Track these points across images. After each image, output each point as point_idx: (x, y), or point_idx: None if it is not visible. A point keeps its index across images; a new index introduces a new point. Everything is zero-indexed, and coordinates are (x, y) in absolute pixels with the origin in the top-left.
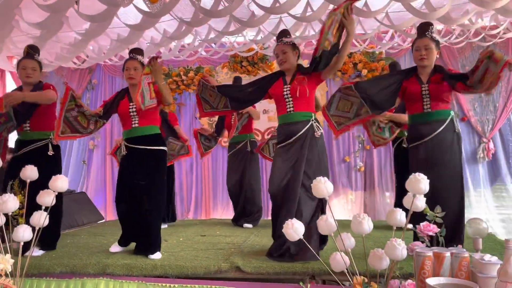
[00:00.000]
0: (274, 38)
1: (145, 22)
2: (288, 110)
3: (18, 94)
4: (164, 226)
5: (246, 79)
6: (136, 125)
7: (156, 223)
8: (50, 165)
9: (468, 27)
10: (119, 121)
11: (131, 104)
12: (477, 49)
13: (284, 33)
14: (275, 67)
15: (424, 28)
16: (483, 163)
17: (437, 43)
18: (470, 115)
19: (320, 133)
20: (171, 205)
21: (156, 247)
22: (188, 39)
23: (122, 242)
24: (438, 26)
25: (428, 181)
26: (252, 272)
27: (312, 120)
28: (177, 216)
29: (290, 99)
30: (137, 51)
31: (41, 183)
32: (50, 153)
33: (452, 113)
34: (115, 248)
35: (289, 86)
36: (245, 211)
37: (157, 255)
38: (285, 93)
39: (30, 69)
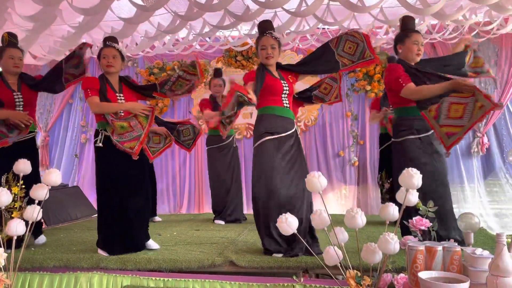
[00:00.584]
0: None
1: (139, 16)
2: (285, 105)
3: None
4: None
5: (240, 74)
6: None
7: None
8: (37, 158)
9: (462, 23)
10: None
11: (118, 95)
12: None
13: (271, 25)
14: None
15: (414, 24)
16: (477, 157)
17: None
18: None
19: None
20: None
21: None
22: (182, 33)
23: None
24: (432, 21)
25: (421, 176)
26: (246, 266)
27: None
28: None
29: (286, 95)
30: (113, 39)
31: (29, 175)
32: (39, 146)
33: None
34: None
35: (286, 83)
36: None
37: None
38: (285, 89)
39: (17, 58)
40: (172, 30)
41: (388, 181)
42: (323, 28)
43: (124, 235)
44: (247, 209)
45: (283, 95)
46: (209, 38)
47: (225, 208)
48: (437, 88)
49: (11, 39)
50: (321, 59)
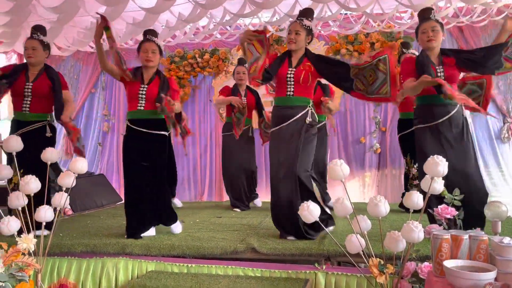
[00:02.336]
0: (290, 19)
1: (160, 5)
2: (288, 93)
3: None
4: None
5: None
6: (142, 107)
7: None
8: (48, 146)
9: (490, 5)
10: None
11: (142, 86)
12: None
13: (307, 13)
14: None
15: (426, 13)
16: (508, 143)
17: (441, 25)
18: (495, 94)
19: (310, 120)
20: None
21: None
22: (203, 22)
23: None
24: (459, 4)
25: (446, 163)
26: (267, 253)
27: (309, 107)
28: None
29: (292, 82)
30: (153, 33)
31: (39, 164)
32: (48, 134)
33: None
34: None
35: (293, 69)
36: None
37: (177, 228)
38: (288, 76)
39: (30, 49)
40: (193, 19)
41: (415, 166)
42: (345, 14)
43: (139, 219)
44: (267, 197)
45: (288, 82)
46: (229, 26)
47: (240, 195)
48: (409, 88)
49: (32, 31)
50: (336, 68)
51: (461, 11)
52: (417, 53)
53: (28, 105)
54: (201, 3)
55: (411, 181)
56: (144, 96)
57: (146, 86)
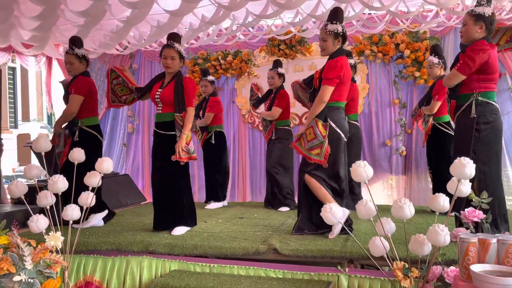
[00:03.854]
0: (313, 20)
1: (184, 8)
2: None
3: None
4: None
5: (284, 63)
6: (160, 111)
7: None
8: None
9: None
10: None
11: (158, 90)
12: None
13: (331, 17)
14: (313, 49)
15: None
16: None
17: (477, 17)
18: None
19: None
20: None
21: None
22: (225, 24)
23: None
24: None
25: (474, 165)
26: (289, 255)
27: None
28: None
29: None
30: (175, 38)
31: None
32: (75, 139)
33: (473, 96)
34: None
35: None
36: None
37: (180, 229)
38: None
39: (68, 64)
40: (216, 21)
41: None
42: (369, 13)
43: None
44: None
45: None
46: (252, 27)
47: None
48: None
49: (69, 44)
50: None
51: None
52: (435, 61)
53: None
54: (224, 5)
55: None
56: (159, 100)
57: (160, 90)
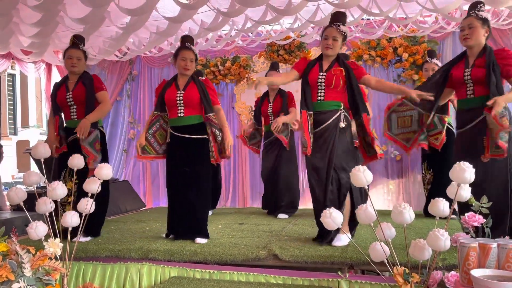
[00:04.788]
0: (312, 25)
1: (183, 14)
2: (319, 98)
3: (85, 123)
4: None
5: (283, 68)
6: (182, 114)
7: (203, 209)
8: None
9: None
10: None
11: (178, 92)
12: None
13: (342, 18)
14: (312, 55)
15: (471, 7)
16: None
17: (484, 21)
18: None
19: (344, 124)
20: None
21: (202, 232)
22: (224, 30)
23: (169, 229)
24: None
25: (473, 170)
26: (289, 260)
27: (341, 110)
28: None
29: (323, 87)
30: (191, 40)
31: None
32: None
33: None
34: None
35: (324, 74)
36: (280, 202)
37: (202, 240)
38: (319, 80)
39: (75, 58)
40: (215, 27)
41: (430, 172)
42: (368, 19)
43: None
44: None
45: (318, 87)
46: (251, 33)
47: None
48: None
49: (74, 41)
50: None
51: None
52: (440, 64)
53: (75, 112)
54: (223, 11)
55: (426, 186)
56: (182, 102)
57: (182, 92)
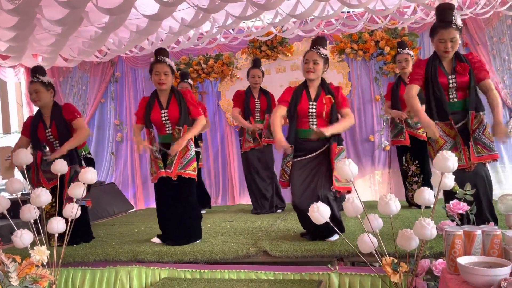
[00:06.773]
0: (292, 20)
1: (163, 12)
2: (311, 126)
3: (58, 153)
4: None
5: (266, 64)
6: (170, 131)
7: (193, 219)
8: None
9: None
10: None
11: (162, 111)
12: (504, 19)
13: (322, 42)
14: (294, 49)
15: (447, 16)
16: None
17: (460, 30)
18: (500, 88)
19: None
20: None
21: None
22: (206, 27)
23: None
24: None
25: (456, 158)
26: (279, 256)
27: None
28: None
29: (314, 116)
30: (164, 53)
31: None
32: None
33: None
34: (156, 240)
35: (314, 103)
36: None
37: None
38: (310, 110)
39: (34, 93)
40: (196, 24)
41: (415, 163)
42: (348, 12)
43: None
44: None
45: (309, 116)
46: (232, 29)
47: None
48: (418, 114)
49: (31, 74)
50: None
51: (464, 3)
52: (411, 53)
53: (57, 143)
54: (203, 8)
55: (410, 178)
56: (168, 121)
57: (166, 110)
